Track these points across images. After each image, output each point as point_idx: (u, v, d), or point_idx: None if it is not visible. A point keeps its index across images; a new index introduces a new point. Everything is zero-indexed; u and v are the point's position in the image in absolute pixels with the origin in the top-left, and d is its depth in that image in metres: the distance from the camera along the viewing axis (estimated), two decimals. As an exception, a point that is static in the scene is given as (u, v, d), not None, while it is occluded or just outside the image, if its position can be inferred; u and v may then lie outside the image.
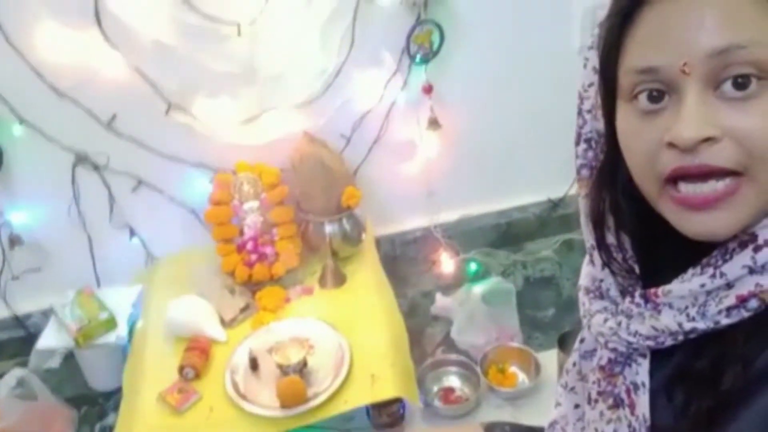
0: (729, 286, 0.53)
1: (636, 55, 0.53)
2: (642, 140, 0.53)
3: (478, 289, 1.52)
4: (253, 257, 1.47)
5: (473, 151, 1.69)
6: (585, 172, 0.65)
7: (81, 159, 1.47)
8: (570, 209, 1.84)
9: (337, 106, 1.56)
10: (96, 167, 1.49)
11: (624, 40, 0.55)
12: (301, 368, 1.21)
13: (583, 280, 0.70)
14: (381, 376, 1.21)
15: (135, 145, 1.49)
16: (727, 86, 0.49)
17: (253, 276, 1.47)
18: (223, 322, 1.39)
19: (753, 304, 0.52)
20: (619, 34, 0.55)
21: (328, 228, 1.50)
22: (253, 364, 1.26)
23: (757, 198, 0.51)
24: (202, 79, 1.47)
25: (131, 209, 1.56)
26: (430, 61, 1.53)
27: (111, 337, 1.38)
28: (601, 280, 0.65)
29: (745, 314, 0.53)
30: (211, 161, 1.54)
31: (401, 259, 1.77)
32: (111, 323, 1.38)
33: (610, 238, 0.63)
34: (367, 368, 1.23)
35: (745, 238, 0.52)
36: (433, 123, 1.58)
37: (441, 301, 1.53)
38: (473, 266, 1.77)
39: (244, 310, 1.41)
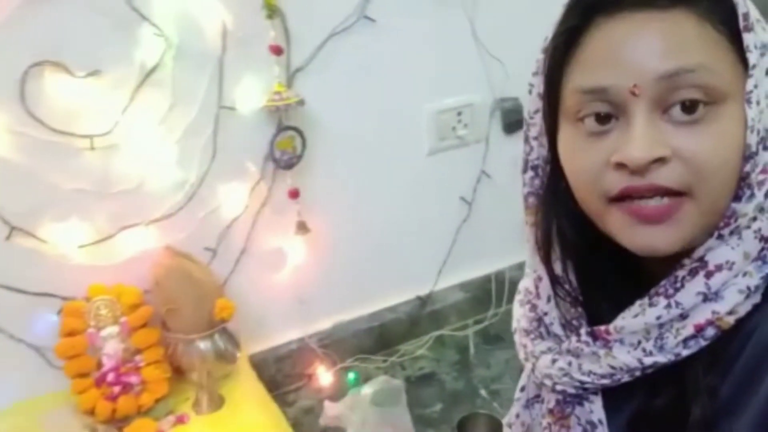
0: (683, 316, 0.53)
1: (583, 75, 0.54)
2: (588, 160, 0.54)
3: (368, 390, 1.46)
4: (116, 389, 1.30)
5: (342, 254, 1.69)
6: (532, 200, 0.64)
7: None
8: (438, 305, 1.87)
9: (199, 217, 1.49)
10: None
11: (569, 60, 0.55)
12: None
13: (519, 323, 0.68)
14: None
15: (-34, 278, 1.30)
16: (676, 110, 0.50)
17: (117, 411, 1.29)
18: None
19: (710, 332, 0.53)
20: (565, 54, 0.55)
21: (201, 346, 1.38)
22: None
23: (699, 217, 0.52)
24: (50, 198, 1.34)
25: (-41, 355, 1.33)
26: (295, 166, 1.53)
27: None
28: (544, 315, 0.64)
29: (703, 343, 0.53)
30: (59, 289, 1.38)
31: (277, 376, 1.67)
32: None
33: (557, 268, 0.62)
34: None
35: (695, 265, 0.53)
36: (302, 227, 1.57)
37: (331, 409, 1.45)
38: (351, 375, 1.72)
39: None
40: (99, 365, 1.33)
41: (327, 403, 1.47)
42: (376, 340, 1.80)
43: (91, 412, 1.29)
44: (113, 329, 1.34)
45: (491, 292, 1.91)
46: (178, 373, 1.40)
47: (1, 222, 1.30)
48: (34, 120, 1.28)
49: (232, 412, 1.35)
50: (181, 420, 1.32)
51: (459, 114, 1.75)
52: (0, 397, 1.37)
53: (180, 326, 1.39)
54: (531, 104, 0.61)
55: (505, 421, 0.73)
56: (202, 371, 1.34)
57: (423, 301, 1.85)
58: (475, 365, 1.76)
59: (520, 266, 1.97)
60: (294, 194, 1.55)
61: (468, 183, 1.81)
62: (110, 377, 1.31)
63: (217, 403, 1.36)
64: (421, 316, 1.85)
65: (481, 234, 1.85)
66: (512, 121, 1.80)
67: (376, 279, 1.77)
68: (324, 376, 1.70)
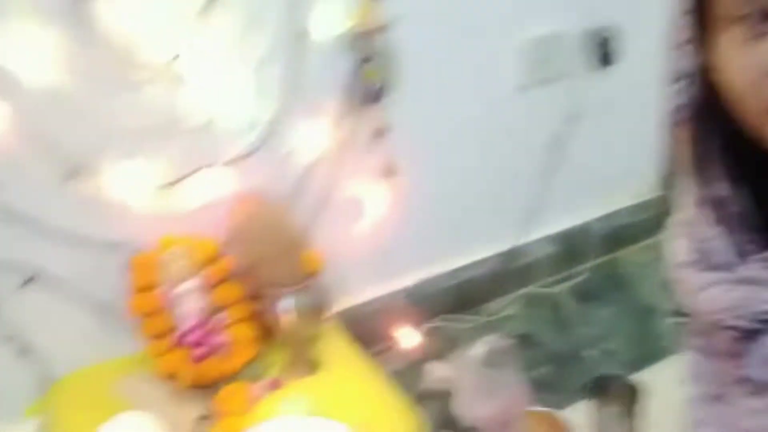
0: None
1: None
2: (748, 67, 0.49)
3: (477, 350, 1.29)
4: (201, 351, 1.14)
5: (427, 202, 1.50)
6: (683, 114, 0.59)
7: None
8: (526, 259, 1.70)
9: (274, 160, 1.32)
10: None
11: None
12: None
13: (681, 256, 0.61)
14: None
15: (22, 226, 1.13)
16: None
17: (202, 375, 1.13)
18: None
19: None
20: None
21: (289, 302, 1.21)
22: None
23: None
24: (111, 136, 1.17)
25: (18, 314, 1.17)
26: (380, 100, 1.35)
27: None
28: (709, 242, 0.57)
29: None
30: (125, 240, 1.21)
31: (358, 337, 1.50)
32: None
33: (719, 189, 0.57)
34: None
35: None
36: (389, 170, 1.39)
37: (438, 370, 1.28)
38: (436, 338, 1.55)
39: (202, 421, 1.06)
40: (173, 326, 1.17)
41: (434, 365, 1.30)
42: (461, 298, 1.62)
43: (172, 377, 1.13)
44: (191, 284, 1.18)
45: (584, 245, 1.73)
46: (266, 332, 1.23)
47: (56, 163, 1.12)
48: (93, 45, 1.10)
49: (332, 376, 1.18)
50: (275, 385, 1.15)
51: (549, 45, 1.56)
52: (64, 363, 1.21)
53: (264, 281, 1.22)
54: (680, 4, 0.56)
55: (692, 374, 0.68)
56: (292, 331, 1.18)
57: (510, 254, 1.67)
58: (575, 324, 1.59)
59: (614, 216, 1.90)
60: (380, 134, 1.37)
61: (559, 123, 1.62)
62: (193, 337, 1.15)
63: (313, 365, 1.20)
64: (508, 272, 1.68)
65: (574, 180, 1.67)
66: (607, 52, 1.61)
67: (465, 229, 1.60)
68: (409, 337, 1.54)
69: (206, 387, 1.13)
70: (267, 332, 1.22)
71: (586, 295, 1.69)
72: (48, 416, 1.11)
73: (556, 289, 1.70)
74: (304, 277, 1.23)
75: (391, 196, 1.44)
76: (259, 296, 1.22)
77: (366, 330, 1.49)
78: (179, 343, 1.14)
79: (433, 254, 1.58)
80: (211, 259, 1.19)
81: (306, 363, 1.19)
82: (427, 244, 1.55)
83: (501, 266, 1.66)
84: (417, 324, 1.55)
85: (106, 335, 1.22)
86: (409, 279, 1.56)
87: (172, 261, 1.17)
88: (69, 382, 1.19)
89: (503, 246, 1.66)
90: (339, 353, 1.24)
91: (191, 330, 1.15)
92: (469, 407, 1.25)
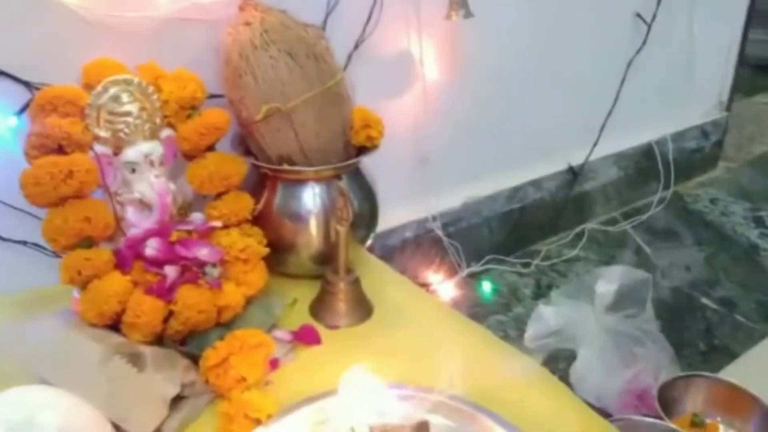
0: None
1: None
2: None
3: (604, 287, 0.82)
4: (171, 275, 0.58)
5: (480, 103, 1.04)
6: None
7: None
8: (589, 184, 1.26)
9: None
10: None
11: None
12: None
13: None
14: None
15: None
16: None
17: (175, 321, 0.57)
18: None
19: None
20: None
21: (324, 190, 0.69)
22: None
23: None
24: None
25: None
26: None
27: None
28: None
29: None
30: (23, 63, 0.63)
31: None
32: None
33: None
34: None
35: None
36: (458, 3, 0.88)
37: (552, 316, 0.80)
38: (486, 286, 1.08)
39: (179, 401, 0.52)
40: (119, 228, 0.61)
41: (541, 309, 0.82)
42: (513, 232, 1.16)
43: (114, 322, 0.57)
44: (150, 148, 0.62)
45: (655, 169, 1.32)
46: (282, 245, 0.69)
47: None
48: None
49: (402, 321, 0.67)
50: (307, 336, 0.62)
51: None
52: None
53: (285, 149, 0.68)
54: None
55: None
56: (340, 244, 0.65)
57: (574, 173, 1.23)
58: (660, 267, 1.16)
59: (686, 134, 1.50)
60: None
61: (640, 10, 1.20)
62: (152, 247, 0.59)
63: (365, 307, 0.67)
64: (568, 200, 1.23)
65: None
66: None
67: (522, 141, 1.13)
68: (450, 283, 1.05)
69: (179, 340, 0.58)
70: (284, 243, 0.68)
71: (660, 232, 1.27)
72: None
73: (622, 225, 1.28)
74: (351, 151, 0.71)
75: (434, 91, 0.95)
76: (273, 177, 0.68)
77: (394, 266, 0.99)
78: (126, 259, 0.58)
79: (482, 169, 1.10)
80: (188, 105, 0.64)
81: (358, 301, 0.67)
82: (476, 155, 1.08)
83: (563, 190, 1.21)
84: (458, 265, 1.07)
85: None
86: (454, 199, 1.07)
87: (115, 98, 0.60)
88: None
89: (566, 163, 1.21)
90: (393, 289, 0.73)
91: (149, 235, 0.60)
92: (595, 375, 0.79)
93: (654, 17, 1.19)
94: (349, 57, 0.86)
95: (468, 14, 0.87)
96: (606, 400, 0.76)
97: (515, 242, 1.17)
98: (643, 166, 1.33)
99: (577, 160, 1.22)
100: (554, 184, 1.21)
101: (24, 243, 0.68)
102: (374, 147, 0.71)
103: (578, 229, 1.25)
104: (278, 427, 0.50)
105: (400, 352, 0.61)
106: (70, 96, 0.59)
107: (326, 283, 0.67)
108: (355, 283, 0.67)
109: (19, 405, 0.45)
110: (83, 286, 0.57)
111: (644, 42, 1.20)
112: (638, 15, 1.20)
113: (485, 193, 1.11)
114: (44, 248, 0.67)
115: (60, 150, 0.58)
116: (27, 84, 0.64)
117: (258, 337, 0.57)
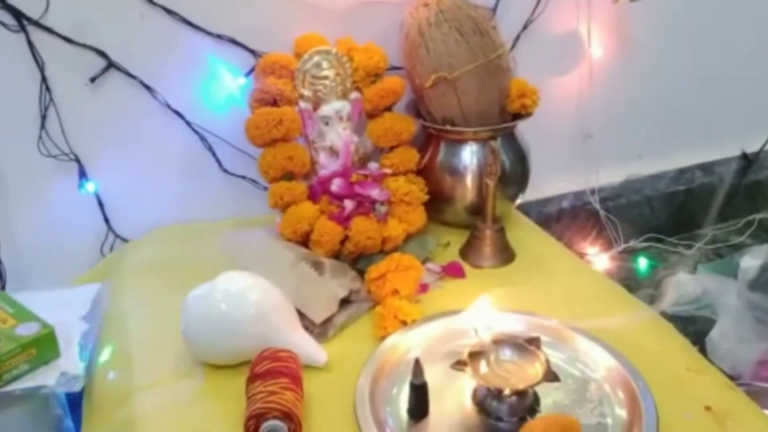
0: None
1: None
2: None
3: (750, 262, 0.84)
4: (348, 207, 0.73)
5: (651, 80, 1.06)
6: None
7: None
8: (764, 172, 1.23)
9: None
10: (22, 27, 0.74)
11: None
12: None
13: None
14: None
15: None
16: None
17: (349, 243, 0.72)
18: (309, 330, 0.63)
19: None
20: None
21: (482, 150, 0.79)
22: (419, 398, 0.51)
23: None
24: None
25: (80, 127, 0.79)
26: None
27: (49, 378, 0.59)
28: None
29: None
30: (250, 36, 0.82)
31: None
32: (48, 346, 0.60)
33: None
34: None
35: None
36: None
37: (692, 284, 0.84)
38: (643, 262, 1.11)
39: (347, 303, 0.66)
40: (313, 168, 0.77)
41: (681, 276, 0.86)
42: (677, 213, 1.17)
43: (304, 242, 0.73)
44: (341, 106, 0.77)
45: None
46: (440, 195, 0.81)
47: None
48: None
49: (538, 269, 0.76)
50: (453, 270, 0.74)
51: None
52: (146, 213, 0.84)
53: (449, 112, 0.80)
54: None
55: None
56: (489, 196, 0.75)
57: (748, 160, 1.20)
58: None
59: None
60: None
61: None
62: (337, 185, 0.74)
63: (507, 252, 0.77)
64: (740, 187, 1.21)
65: None
66: None
67: (694, 123, 1.14)
68: (605, 256, 1.10)
69: (351, 259, 0.73)
70: (441, 195, 0.80)
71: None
72: (117, 279, 0.74)
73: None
74: (507, 116, 0.81)
75: (602, 66, 1.00)
76: (438, 137, 0.81)
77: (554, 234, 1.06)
78: (317, 192, 0.74)
79: (648, 147, 1.13)
80: (373, 74, 0.78)
81: (501, 247, 0.77)
82: (643, 133, 1.11)
83: (736, 176, 1.20)
84: (614, 240, 1.11)
85: (205, 183, 0.85)
86: (615, 175, 1.12)
87: (317, 66, 0.76)
88: (155, 237, 0.81)
89: (740, 149, 1.20)
90: (534, 240, 0.82)
91: (333, 176, 0.75)
92: (731, 344, 0.82)
93: None
94: (518, 37, 0.95)
95: (635, -3, 0.92)
96: (740, 369, 0.79)
97: (678, 224, 1.18)
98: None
99: (752, 147, 1.19)
100: (726, 170, 1.19)
101: (243, 177, 0.87)
102: (528, 114, 0.81)
103: (749, 218, 1.22)
104: (418, 329, 0.63)
105: (531, 291, 0.71)
106: (283, 62, 0.76)
107: (475, 229, 0.78)
108: (500, 231, 0.77)
109: (234, 281, 0.61)
110: (283, 209, 0.74)
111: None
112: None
113: (648, 172, 1.14)
114: (257, 182, 0.86)
115: (274, 103, 0.75)
116: (253, 52, 0.82)
117: (411, 261, 0.70)
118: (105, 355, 0.64)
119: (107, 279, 0.74)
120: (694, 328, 0.86)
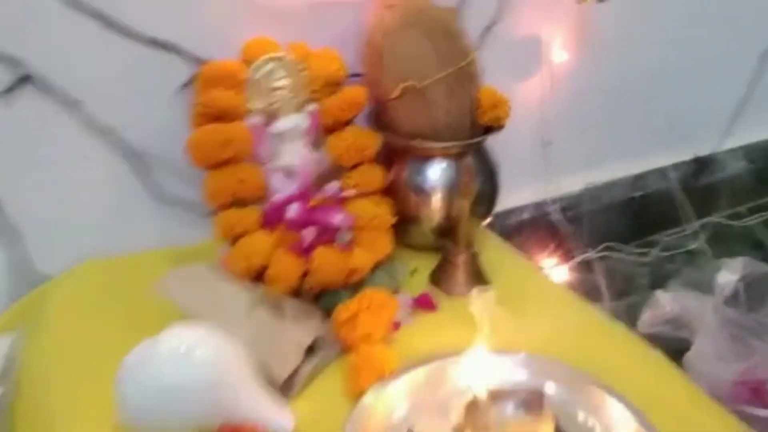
0: None
1: None
2: None
3: (727, 277, 0.82)
4: (308, 236, 0.65)
5: (607, 84, 1.03)
6: None
7: None
8: (716, 176, 1.22)
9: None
10: None
11: None
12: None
13: None
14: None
15: None
16: None
17: (311, 278, 0.64)
18: (273, 385, 0.55)
19: None
20: None
21: (453, 166, 0.72)
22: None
23: None
24: None
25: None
26: None
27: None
28: None
29: None
30: (191, 40, 0.71)
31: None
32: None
33: None
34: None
35: None
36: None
37: (669, 303, 0.80)
38: (600, 273, 1.08)
39: (310, 351, 0.58)
40: (262, 192, 0.68)
41: (661, 295, 0.82)
42: (633, 221, 1.15)
43: (255, 274, 0.64)
44: (298, 120, 0.68)
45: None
46: (408, 216, 0.74)
47: None
48: None
49: (516, 294, 0.70)
50: (425, 304, 0.67)
51: None
52: (68, 245, 0.72)
53: (417, 125, 0.72)
54: None
55: None
56: (462, 213, 0.69)
57: (699, 165, 1.19)
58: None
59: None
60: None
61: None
62: (293, 211, 0.65)
63: (479, 277, 0.71)
64: (692, 191, 1.19)
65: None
66: None
67: (643, 128, 1.11)
68: (564, 265, 1.07)
69: (312, 295, 0.64)
70: (408, 215, 0.73)
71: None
72: (29, 329, 0.63)
73: (753, 219, 1.23)
74: (478, 128, 0.74)
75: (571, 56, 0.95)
76: (407, 154, 0.73)
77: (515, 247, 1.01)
78: (271, 219, 0.65)
79: (604, 154, 1.09)
80: (332, 83, 0.70)
81: (474, 272, 0.70)
82: (598, 140, 1.07)
83: (688, 181, 1.18)
84: (577, 248, 1.08)
85: (138, 210, 0.74)
86: (574, 184, 1.08)
87: (270, 73, 0.67)
88: (78, 272, 0.70)
89: (692, 154, 1.18)
90: (510, 264, 0.76)
91: (291, 200, 0.66)
92: (708, 365, 0.79)
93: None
94: (480, 39, 0.88)
95: (602, -1, 0.87)
96: (718, 391, 0.76)
97: (634, 231, 1.16)
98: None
99: (704, 151, 1.18)
100: (679, 175, 1.18)
101: (179, 203, 0.76)
102: (500, 127, 0.74)
103: (702, 221, 1.21)
104: (400, 381, 0.55)
105: (514, 321, 0.65)
106: (231, 70, 0.66)
107: (447, 253, 0.71)
108: (475, 256, 0.71)
109: (182, 339, 0.52)
110: (233, 241, 0.65)
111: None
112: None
113: (606, 179, 1.11)
114: (193, 207, 0.75)
115: (220, 119, 0.65)
116: (195, 58, 0.71)
117: (383, 298, 0.63)
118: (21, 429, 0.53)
119: (21, 327, 0.63)
120: (673, 347, 0.83)
